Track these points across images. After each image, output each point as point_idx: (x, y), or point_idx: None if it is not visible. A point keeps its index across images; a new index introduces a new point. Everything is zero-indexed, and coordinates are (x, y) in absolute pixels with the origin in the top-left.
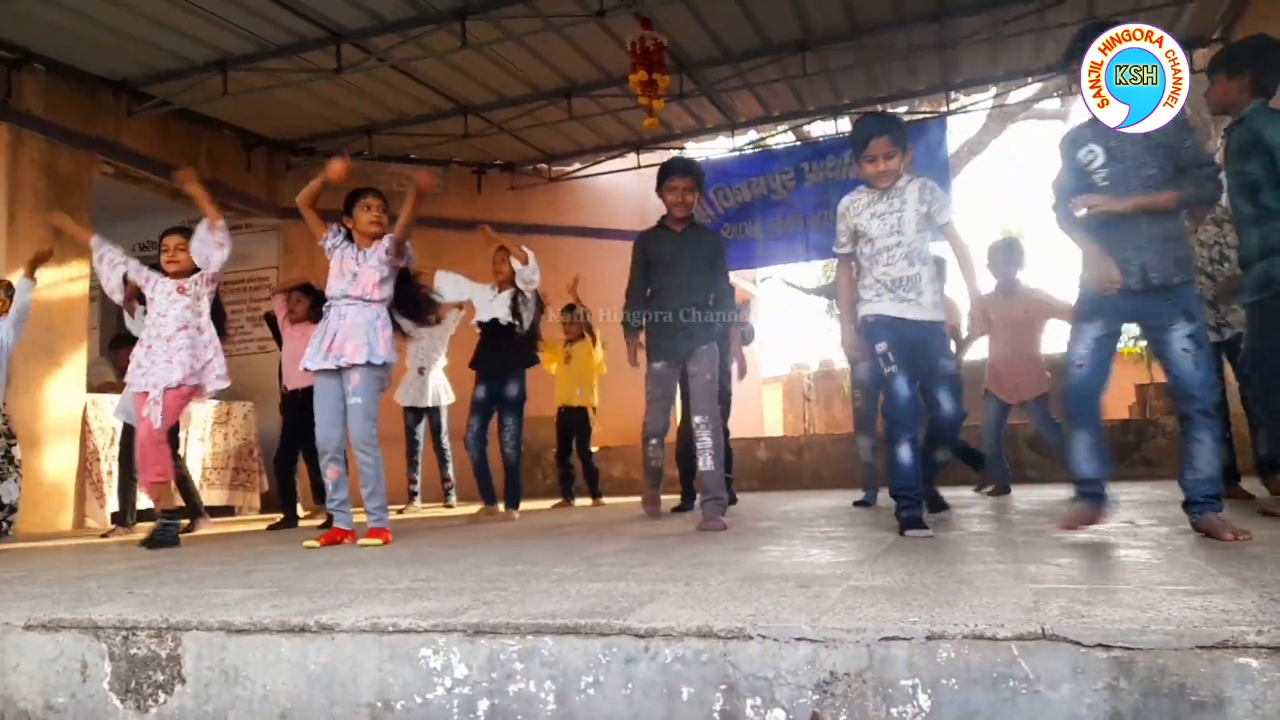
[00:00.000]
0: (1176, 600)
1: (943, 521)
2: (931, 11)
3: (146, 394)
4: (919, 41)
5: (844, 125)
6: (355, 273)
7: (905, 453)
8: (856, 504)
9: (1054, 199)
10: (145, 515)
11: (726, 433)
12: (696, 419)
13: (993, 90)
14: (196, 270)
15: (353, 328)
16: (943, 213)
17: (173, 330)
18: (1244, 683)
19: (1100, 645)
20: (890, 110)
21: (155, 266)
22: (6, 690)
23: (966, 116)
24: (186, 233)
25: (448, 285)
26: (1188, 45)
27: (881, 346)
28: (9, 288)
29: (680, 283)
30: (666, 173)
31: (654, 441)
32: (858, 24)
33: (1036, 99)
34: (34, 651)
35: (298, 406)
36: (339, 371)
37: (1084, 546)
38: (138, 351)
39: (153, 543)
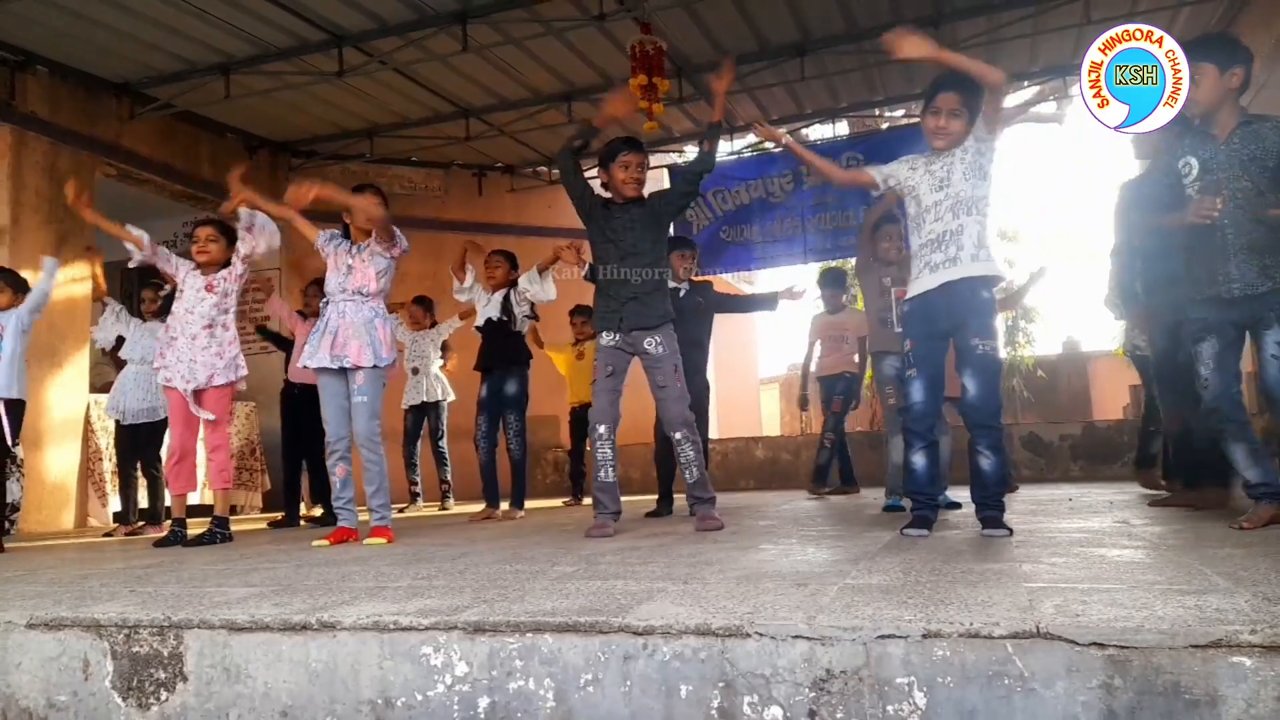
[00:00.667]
0: (1171, 599)
1: (943, 521)
2: (929, 16)
3: (178, 392)
4: None
5: (841, 129)
6: (350, 265)
7: (919, 459)
8: (887, 509)
9: (1129, 201)
10: (144, 514)
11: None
12: (675, 434)
13: None
14: (226, 265)
15: (354, 327)
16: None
17: (198, 328)
18: (1238, 681)
19: (1095, 644)
20: (890, 114)
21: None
22: (9, 689)
23: None
24: (220, 225)
25: (465, 290)
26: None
27: (908, 344)
28: (12, 278)
29: (626, 248)
30: (617, 149)
31: (600, 430)
32: (856, 28)
33: (1033, 102)
34: (36, 650)
35: (295, 401)
36: (343, 370)
37: (1078, 546)
38: (162, 342)
39: (174, 544)
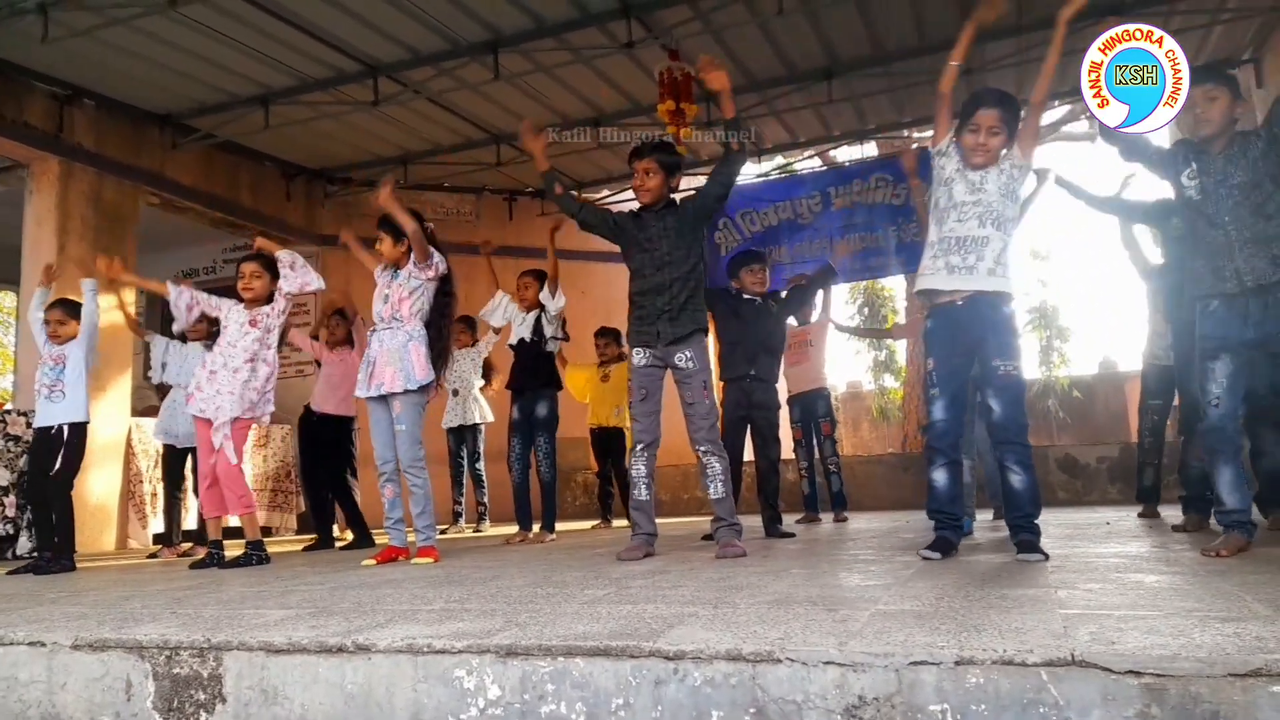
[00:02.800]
0: (1209, 627)
1: (973, 545)
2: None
3: (209, 421)
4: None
5: (869, 150)
6: (386, 295)
7: (940, 476)
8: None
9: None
10: (190, 535)
11: (776, 460)
12: (700, 449)
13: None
14: (269, 300)
15: (389, 354)
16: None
17: (240, 362)
18: (1278, 711)
19: (1131, 672)
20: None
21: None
22: (54, 708)
23: None
24: (265, 260)
25: (496, 310)
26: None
27: (929, 364)
28: (75, 308)
29: (662, 257)
30: (630, 157)
31: (639, 448)
32: (883, 51)
33: (1064, 122)
34: (81, 670)
35: (311, 430)
36: (385, 398)
37: (1115, 571)
38: (200, 374)
39: (211, 566)
